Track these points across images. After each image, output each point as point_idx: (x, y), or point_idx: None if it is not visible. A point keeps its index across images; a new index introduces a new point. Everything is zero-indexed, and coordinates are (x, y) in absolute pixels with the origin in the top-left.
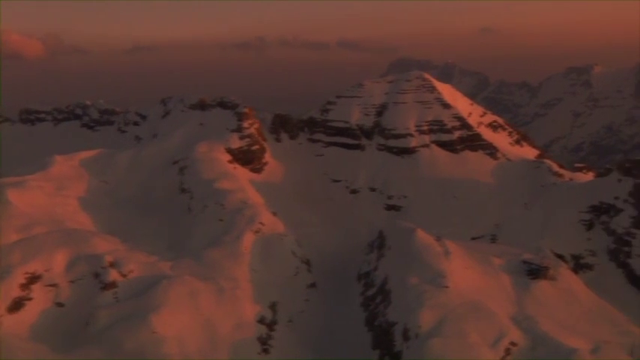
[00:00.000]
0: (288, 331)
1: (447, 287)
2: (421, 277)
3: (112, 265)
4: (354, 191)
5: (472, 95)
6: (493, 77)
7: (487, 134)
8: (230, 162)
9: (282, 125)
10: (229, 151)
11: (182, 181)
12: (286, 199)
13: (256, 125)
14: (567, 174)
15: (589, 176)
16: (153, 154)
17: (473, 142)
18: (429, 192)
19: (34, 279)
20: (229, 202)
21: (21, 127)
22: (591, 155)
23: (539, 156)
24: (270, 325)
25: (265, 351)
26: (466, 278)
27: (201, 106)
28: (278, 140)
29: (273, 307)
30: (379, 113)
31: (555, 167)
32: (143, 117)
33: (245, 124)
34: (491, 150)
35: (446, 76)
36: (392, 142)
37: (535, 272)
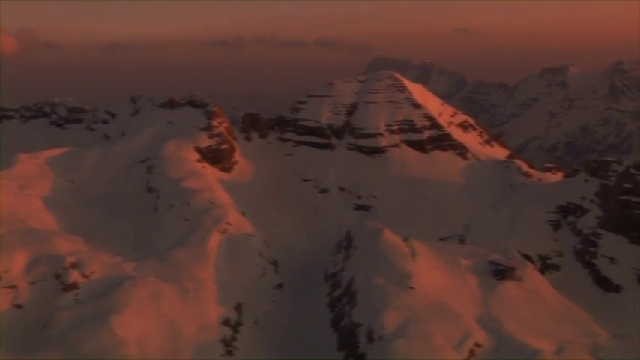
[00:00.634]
0: (253, 332)
1: (412, 288)
2: (387, 277)
3: (74, 265)
4: (323, 191)
5: (450, 95)
6: (470, 77)
7: (457, 134)
8: (199, 161)
9: (253, 124)
10: (198, 150)
11: (149, 180)
12: (255, 199)
13: (226, 124)
14: (536, 174)
15: (558, 177)
16: (120, 152)
17: (443, 142)
18: (399, 192)
19: None
20: (196, 202)
21: None
22: (566, 155)
23: (509, 156)
24: (235, 327)
25: (229, 352)
26: (432, 279)
27: (171, 104)
28: (248, 139)
29: (238, 308)
30: (350, 113)
31: (525, 167)
32: (112, 115)
33: (214, 123)
34: (461, 150)
35: (424, 75)
36: (362, 142)
37: (501, 273)
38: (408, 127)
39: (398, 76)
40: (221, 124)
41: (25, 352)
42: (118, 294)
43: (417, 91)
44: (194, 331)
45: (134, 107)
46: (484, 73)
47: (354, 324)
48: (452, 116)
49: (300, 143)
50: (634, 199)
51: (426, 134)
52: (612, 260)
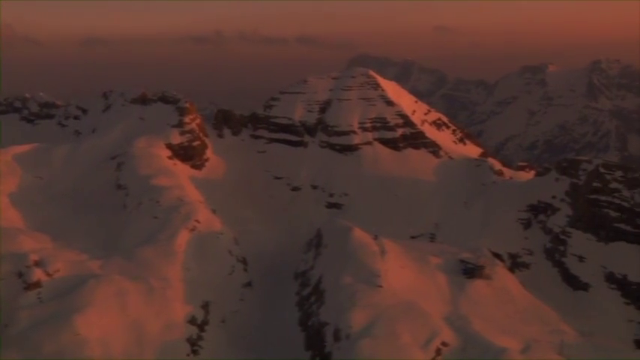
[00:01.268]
0: (220, 331)
1: (380, 287)
2: (355, 276)
3: (37, 264)
4: (295, 189)
5: (431, 92)
6: (451, 75)
7: (430, 132)
8: (170, 158)
9: (225, 121)
10: (169, 146)
11: (119, 177)
12: (226, 197)
13: (198, 121)
14: (509, 172)
15: (531, 175)
16: (90, 149)
17: (416, 139)
18: (371, 190)
19: None
20: (165, 199)
21: None
22: (545, 153)
23: (482, 154)
24: (201, 326)
25: (195, 352)
26: (401, 278)
27: (142, 100)
28: (220, 136)
29: (205, 307)
30: (323, 110)
31: (497, 166)
32: (84, 111)
33: (186, 120)
34: (433, 148)
35: (405, 73)
36: (335, 140)
37: (471, 271)
38: (381, 124)
39: (372, 73)
40: (193, 121)
41: None
42: (81, 293)
43: (391, 88)
44: (159, 331)
45: (106, 103)
46: (464, 71)
47: (321, 323)
48: (425, 114)
49: (272, 140)
50: (603, 197)
51: (399, 132)
52: (581, 259)
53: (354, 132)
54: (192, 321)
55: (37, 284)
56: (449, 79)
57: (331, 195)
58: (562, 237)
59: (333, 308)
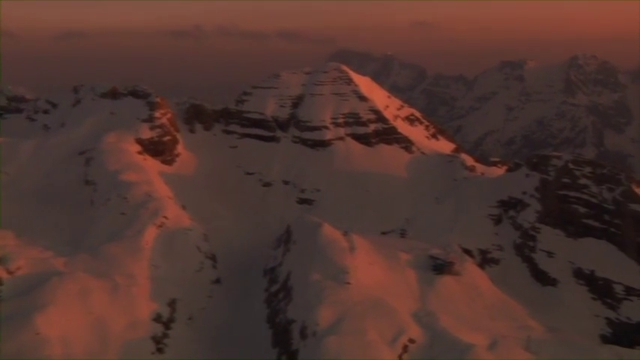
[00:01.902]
0: (186, 329)
1: (348, 283)
2: (323, 273)
3: None
4: (267, 184)
5: (411, 87)
6: (431, 70)
7: (403, 128)
8: (140, 153)
9: (197, 116)
10: (139, 141)
11: (87, 172)
12: (197, 192)
13: (169, 115)
14: (481, 168)
15: (503, 171)
16: (59, 144)
17: (388, 135)
18: (343, 185)
19: None
20: (133, 195)
21: None
22: (523, 149)
23: (455, 150)
24: (167, 324)
25: (159, 350)
26: (370, 274)
27: (113, 94)
28: (192, 131)
29: (172, 304)
30: (295, 105)
31: (469, 161)
32: (54, 105)
33: (157, 114)
34: (406, 144)
35: (385, 68)
36: (307, 135)
37: (440, 268)
38: (354, 120)
39: (344, 68)
40: (164, 116)
41: None
42: (43, 291)
43: (364, 83)
44: (123, 329)
45: (76, 97)
46: (444, 66)
47: (288, 320)
48: (398, 109)
49: (244, 135)
50: (572, 193)
51: (372, 127)
52: (550, 254)
53: (326, 127)
54: (157, 319)
55: None
56: (429, 74)
57: (303, 191)
58: (531, 233)
59: (301, 305)
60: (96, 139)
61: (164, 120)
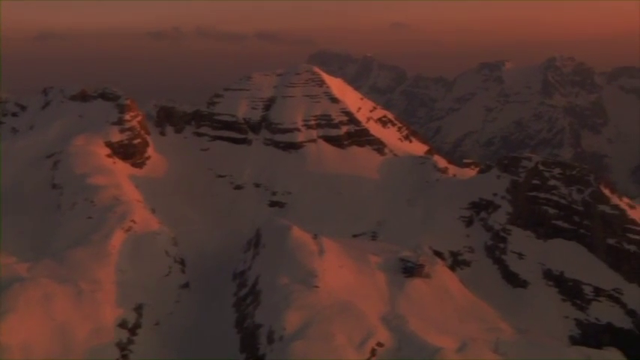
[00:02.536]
0: (153, 334)
1: (317, 287)
2: (292, 276)
3: None
4: (238, 187)
5: (391, 89)
6: (410, 72)
7: (376, 129)
8: (109, 156)
9: (168, 118)
10: (109, 144)
11: (54, 176)
12: (167, 195)
13: (139, 118)
14: (453, 170)
15: (475, 172)
16: (26, 147)
17: (360, 137)
18: (314, 188)
19: None
20: (100, 199)
21: None
22: (502, 150)
23: (428, 152)
24: (133, 329)
25: (124, 357)
26: (339, 277)
27: (82, 97)
28: (162, 134)
29: (138, 309)
30: (267, 107)
31: (442, 163)
32: (23, 108)
33: (127, 117)
34: (378, 145)
35: (365, 69)
36: (279, 137)
37: (410, 270)
38: (326, 122)
39: (317, 70)
40: (134, 118)
41: None
42: (4, 298)
43: (336, 85)
44: (86, 335)
45: (45, 100)
46: (423, 68)
47: (255, 325)
48: (371, 111)
49: (215, 138)
50: (542, 194)
51: (344, 129)
52: (520, 256)
53: (298, 129)
54: (122, 324)
55: None
56: (409, 75)
57: (274, 193)
58: (502, 234)
59: (268, 309)
60: (64, 142)
61: (134, 123)
